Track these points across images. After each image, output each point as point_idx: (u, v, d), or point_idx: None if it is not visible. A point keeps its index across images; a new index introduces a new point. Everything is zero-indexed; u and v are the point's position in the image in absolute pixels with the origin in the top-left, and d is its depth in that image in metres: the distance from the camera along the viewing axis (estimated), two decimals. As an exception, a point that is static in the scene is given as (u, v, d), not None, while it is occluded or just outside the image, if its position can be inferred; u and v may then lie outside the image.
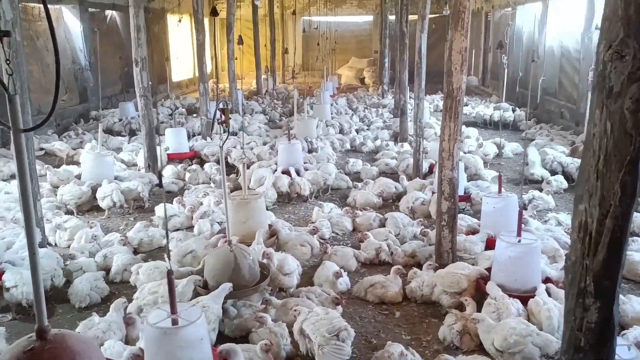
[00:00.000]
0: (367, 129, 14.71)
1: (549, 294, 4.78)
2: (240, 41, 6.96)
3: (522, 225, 6.52)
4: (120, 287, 5.96)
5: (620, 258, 2.04)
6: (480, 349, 4.67)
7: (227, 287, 4.79)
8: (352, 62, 29.97)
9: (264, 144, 11.95)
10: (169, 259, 3.71)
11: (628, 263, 6.04)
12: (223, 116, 4.52)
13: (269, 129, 14.66)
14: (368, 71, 28.91)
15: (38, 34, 13.46)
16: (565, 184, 9.23)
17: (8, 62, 2.10)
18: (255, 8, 19.84)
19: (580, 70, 14.39)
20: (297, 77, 28.78)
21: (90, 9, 16.14)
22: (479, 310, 4.79)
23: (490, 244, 6.17)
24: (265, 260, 5.34)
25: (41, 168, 9.86)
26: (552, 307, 4.51)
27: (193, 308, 3.64)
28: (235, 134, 12.27)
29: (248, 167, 9.81)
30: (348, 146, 12.81)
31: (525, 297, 4.73)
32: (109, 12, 17.99)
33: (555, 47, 15.81)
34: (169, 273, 3.50)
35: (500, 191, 6.65)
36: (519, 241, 4.99)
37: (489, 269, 5.28)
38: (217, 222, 7.25)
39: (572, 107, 14.80)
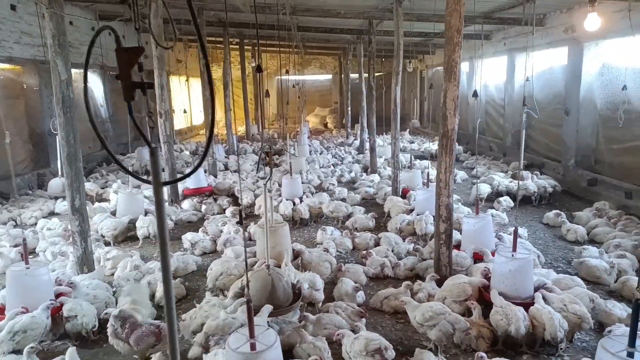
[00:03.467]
0: (341, 164, 14.43)
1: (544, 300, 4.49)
2: (267, 94, 6.47)
3: (498, 240, 6.35)
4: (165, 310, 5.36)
5: None
6: (492, 350, 4.34)
7: (269, 309, 4.29)
8: (317, 111, 29.85)
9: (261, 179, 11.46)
10: (248, 289, 3.20)
11: (586, 267, 5.86)
12: (267, 158, 4.10)
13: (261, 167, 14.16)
14: (330, 118, 28.85)
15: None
16: (512, 203, 9.11)
17: (151, 114, 1.65)
18: (243, 70, 19.53)
19: (504, 113, 14.60)
20: (273, 124, 28.39)
21: (109, 72, 15.41)
22: (486, 316, 4.47)
23: (476, 257, 5.89)
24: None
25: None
26: (551, 310, 4.21)
27: (267, 331, 3.16)
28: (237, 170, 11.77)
29: (255, 198, 9.36)
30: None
31: (525, 304, 4.42)
32: (123, 75, 17.24)
33: (482, 95, 16.03)
34: (249, 302, 3.03)
35: (477, 212, 6.39)
36: (513, 256, 4.70)
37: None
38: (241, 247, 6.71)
39: (499, 142, 14.96)
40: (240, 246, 6.78)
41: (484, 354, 3.67)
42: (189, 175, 1.72)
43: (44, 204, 9.43)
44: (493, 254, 5.84)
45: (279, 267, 5.26)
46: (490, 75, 15.62)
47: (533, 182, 9.47)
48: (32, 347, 4.02)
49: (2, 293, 4.82)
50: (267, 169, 4.11)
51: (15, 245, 6.96)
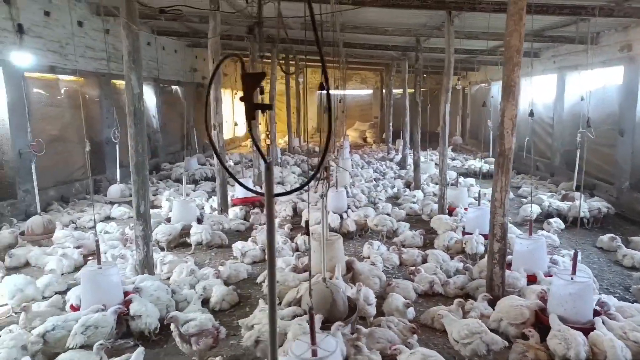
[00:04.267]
0: (383, 178, 14.44)
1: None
2: (326, 110, 6.66)
3: (552, 264, 6.22)
4: (219, 315, 5.55)
5: None
6: (548, 373, 4.26)
7: (338, 325, 4.33)
8: (357, 125, 29.96)
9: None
10: (311, 298, 3.32)
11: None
12: (326, 173, 4.25)
13: (304, 179, 14.37)
14: (369, 132, 28.90)
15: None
16: (562, 225, 8.89)
17: (268, 133, 1.81)
18: (287, 84, 19.96)
19: (553, 132, 14.27)
20: (313, 137, 28.67)
21: (161, 85, 16.11)
22: (543, 340, 4.40)
23: (530, 279, 5.80)
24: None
25: (128, 211, 9.63)
26: (612, 337, 4.11)
27: (328, 338, 3.26)
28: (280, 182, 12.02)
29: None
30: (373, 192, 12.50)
31: (584, 329, 4.32)
32: (174, 87, 17.98)
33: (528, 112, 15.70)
34: (310, 309, 3.15)
35: (530, 233, 6.29)
36: (572, 279, 4.62)
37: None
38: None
39: (547, 162, 14.61)
40: (289, 256, 6.95)
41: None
42: (303, 187, 1.85)
43: (100, 209, 9.92)
44: (545, 277, 5.76)
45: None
46: (538, 93, 15.33)
47: (585, 204, 9.21)
48: (101, 344, 4.27)
49: (74, 293, 5.15)
50: (324, 184, 4.24)
51: (78, 247, 7.36)
